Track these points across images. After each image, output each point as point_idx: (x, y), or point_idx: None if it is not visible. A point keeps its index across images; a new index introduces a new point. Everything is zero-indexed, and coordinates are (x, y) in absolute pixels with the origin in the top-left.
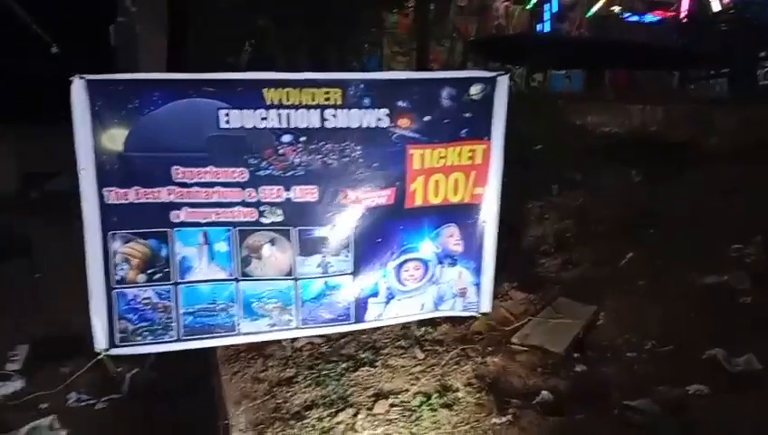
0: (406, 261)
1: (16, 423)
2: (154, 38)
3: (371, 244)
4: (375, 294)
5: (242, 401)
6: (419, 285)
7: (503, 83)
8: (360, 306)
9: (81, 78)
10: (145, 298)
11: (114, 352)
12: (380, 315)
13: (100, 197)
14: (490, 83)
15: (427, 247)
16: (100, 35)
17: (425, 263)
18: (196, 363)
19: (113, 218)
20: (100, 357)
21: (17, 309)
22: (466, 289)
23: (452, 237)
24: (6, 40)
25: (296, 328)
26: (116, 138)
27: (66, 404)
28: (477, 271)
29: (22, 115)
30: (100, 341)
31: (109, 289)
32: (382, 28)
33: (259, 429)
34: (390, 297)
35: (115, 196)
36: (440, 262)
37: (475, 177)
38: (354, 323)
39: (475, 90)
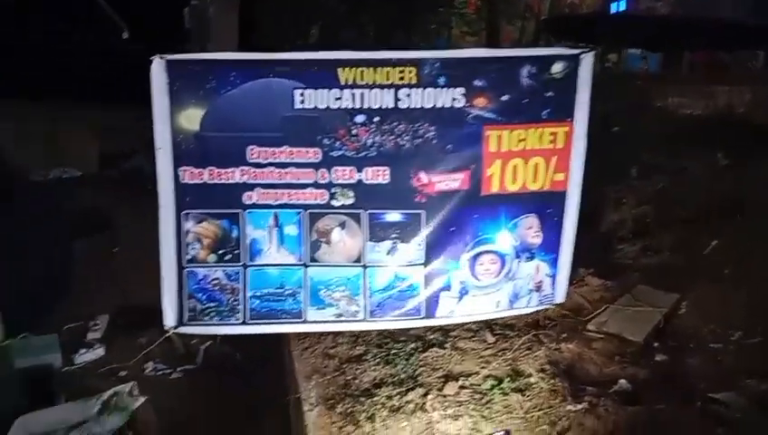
0: (481, 253)
1: (98, 389)
2: (226, 19)
3: (444, 232)
4: (447, 288)
5: (312, 376)
6: (495, 280)
7: (587, 61)
8: (432, 301)
9: (161, 58)
10: (214, 279)
11: (182, 329)
12: (453, 312)
13: (176, 176)
14: (573, 61)
15: (504, 239)
16: (176, 17)
17: (501, 256)
18: (268, 337)
19: (187, 198)
20: (168, 335)
21: (97, 281)
22: (542, 282)
23: (531, 229)
24: (86, 23)
25: (363, 320)
26: (193, 118)
27: (143, 373)
28: (554, 262)
29: (103, 95)
30: (169, 318)
31: (180, 268)
32: (451, 8)
33: (329, 404)
34: (464, 292)
35: (190, 175)
36: (518, 256)
37: (557, 162)
38: (424, 318)
39: (556, 68)
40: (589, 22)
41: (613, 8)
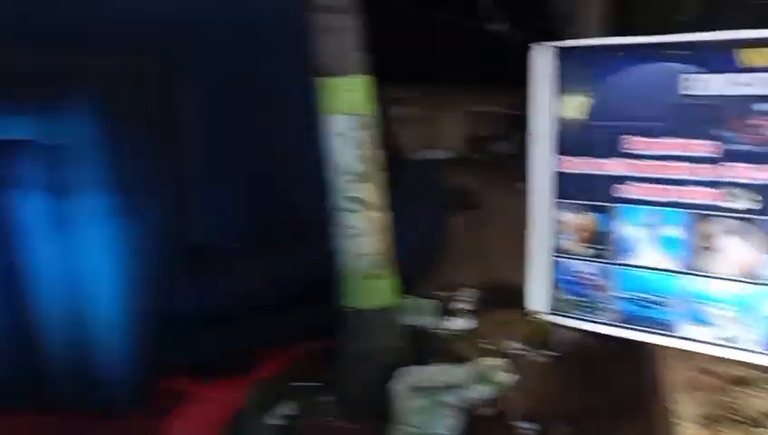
0: None
1: (460, 357)
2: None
3: None
4: None
5: (684, 389)
6: None
7: None
8: None
9: (544, 45)
10: (582, 272)
11: (544, 317)
12: None
13: (551, 164)
14: None
15: None
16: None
17: None
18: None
19: (561, 187)
20: (531, 318)
21: (466, 257)
22: None
23: None
24: (467, 12)
25: (753, 352)
26: (574, 105)
27: (503, 349)
28: None
29: (476, 80)
30: (533, 303)
31: (549, 256)
32: None
33: (705, 423)
34: None
35: (565, 164)
36: None
37: None
38: None
39: None
40: None
41: None
